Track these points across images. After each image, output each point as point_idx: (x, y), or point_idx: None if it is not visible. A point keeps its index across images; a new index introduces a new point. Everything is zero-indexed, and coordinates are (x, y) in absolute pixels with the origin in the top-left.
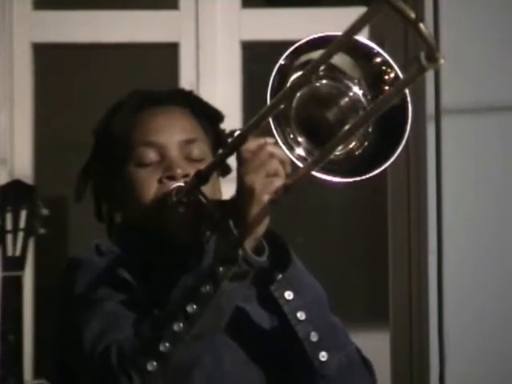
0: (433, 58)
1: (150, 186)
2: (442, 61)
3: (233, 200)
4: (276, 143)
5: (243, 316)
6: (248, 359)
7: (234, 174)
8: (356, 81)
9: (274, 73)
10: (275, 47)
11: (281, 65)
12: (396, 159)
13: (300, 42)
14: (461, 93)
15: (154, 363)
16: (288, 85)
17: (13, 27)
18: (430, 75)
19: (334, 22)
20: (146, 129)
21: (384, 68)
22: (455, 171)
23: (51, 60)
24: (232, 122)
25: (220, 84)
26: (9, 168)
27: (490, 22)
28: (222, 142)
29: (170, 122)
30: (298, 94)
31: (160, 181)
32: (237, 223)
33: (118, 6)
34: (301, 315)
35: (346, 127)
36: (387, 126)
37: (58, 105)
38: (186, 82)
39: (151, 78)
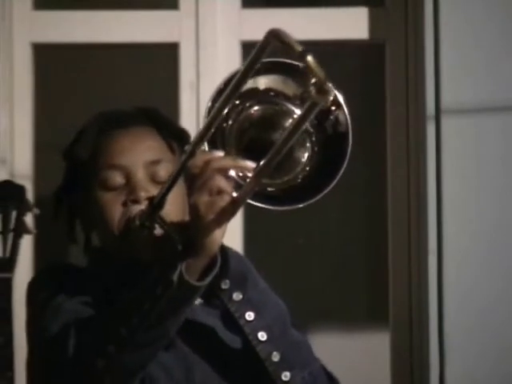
0: (323, 90)
1: (115, 210)
2: (332, 93)
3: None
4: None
5: (213, 335)
6: (220, 378)
7: None
8: (292, 97)
9: (212, 94)
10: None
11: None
12: (396, 159)
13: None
14: (461, 93)
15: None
16: (214, 109)
17: (13, 27)
18: (429, 75)
19: (333, 22)
20: (110, 151)
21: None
22: (455, 171)
23: (51, 60)
24: None
25: None
26: (9, 168)
27: (490, 22)
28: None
29: (135, 143)
30: (236, 124)
31: (125, 204)
32: (185, 245)
33: (118, 6)
34: (262, 335)
35: (278, 142)
36: (328, 153)
37: (58, 105)
38: (186, 81)
39: (151, 78)
